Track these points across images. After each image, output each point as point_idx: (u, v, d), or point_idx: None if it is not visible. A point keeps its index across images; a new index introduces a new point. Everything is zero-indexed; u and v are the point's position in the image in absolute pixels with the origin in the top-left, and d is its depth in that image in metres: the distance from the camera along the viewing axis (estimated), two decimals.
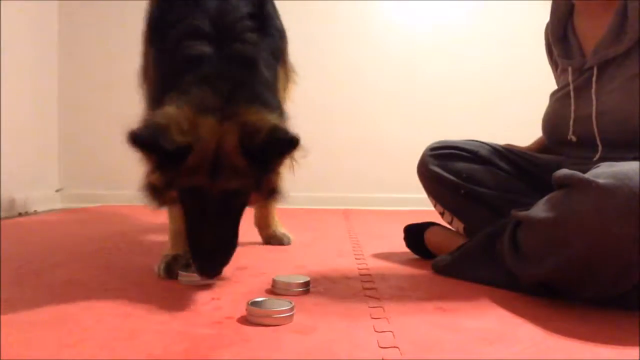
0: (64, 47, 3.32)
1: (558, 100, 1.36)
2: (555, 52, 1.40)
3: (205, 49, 1.12)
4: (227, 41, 1.14)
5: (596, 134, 1.25)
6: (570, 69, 1.32)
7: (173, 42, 1.15)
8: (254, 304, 0.93)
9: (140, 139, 0.94)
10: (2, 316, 0.91)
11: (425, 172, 1.48)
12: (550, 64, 1.51)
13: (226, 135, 1.01)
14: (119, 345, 0.78)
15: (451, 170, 1.43)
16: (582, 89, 1.28)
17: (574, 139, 1.30)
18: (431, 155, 1.48)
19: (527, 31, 2.72)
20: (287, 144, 1.02)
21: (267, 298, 0.98)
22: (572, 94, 1.31)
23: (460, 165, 1.43)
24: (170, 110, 1.02)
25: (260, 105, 1.07)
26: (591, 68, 1.27)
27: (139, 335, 0.83)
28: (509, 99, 3.43)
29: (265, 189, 1.10)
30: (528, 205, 1.12)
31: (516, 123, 2.67)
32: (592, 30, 1.30)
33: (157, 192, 1.08)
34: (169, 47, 1.16)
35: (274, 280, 1.14)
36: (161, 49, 1.22)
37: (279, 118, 1.10)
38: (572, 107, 1.30)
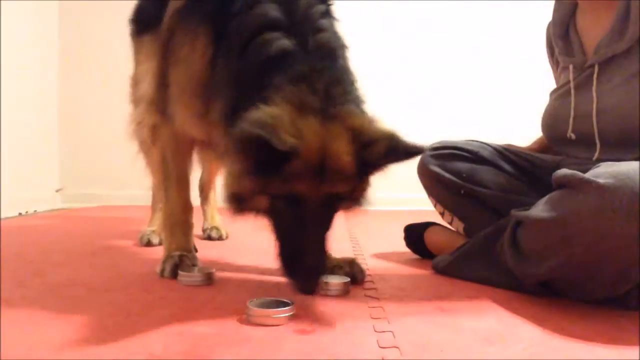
0: (64, 47, 3.31)
1: (558, 98, 1.36)
2: (557, 50, 1.40)
3: (286, 42, 1.01)
4: (306, 31, 1.03)
5: (595, 132, 1.25)
6: (571, 66, 1.33)
7: (241, 36, 1.04)
8: (254, 304, 0.93)
9: (251, 138, 0.85)
10: (2, 316, 0.91)
11: (426, 172, 1.48)
12: (550, 62, 1.51)
13: (333, 139, 0.93)
14: (119, 345, 0.78)
15: (451, 170, 1.43)
16: (582, 87, 1.29)
17: (573, 136, 1.30)
18: (431, 155, 1.48)
19: (527, 29, 2.72)
20: (408, 155, 0.97)
21: (267, 298, 0.98)
22: (572, 91, 1.31)
23: (460, 165, 1.43)
24: (272, 110, 0.91)
25: (355, 105, 1.01)
26: (592, 66, 1.27)
27: (139, 335, 0.83)
28: (510, 98, 3.42)
29: (358, 195, 1.04)
30: (528, 206, 1.12)
31: (516, 122, 2.67)
32: (595, 28, 1.30)
33: (242, 200, 0.99)
34: (236, 42, 1.04)
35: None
36: (223, 45, 1.07)
37: (378, 121, 1.01)
38: (572, 105, 1.30)
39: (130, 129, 1.64)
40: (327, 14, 1.11)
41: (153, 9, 1.38)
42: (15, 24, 2.75)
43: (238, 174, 0.97)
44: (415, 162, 1.53)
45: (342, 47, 1.12)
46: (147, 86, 1.36)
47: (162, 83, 1.24)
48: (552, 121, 1.39)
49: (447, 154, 1.46)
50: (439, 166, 1.45)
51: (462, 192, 1.41)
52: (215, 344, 0.80)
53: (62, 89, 3.31)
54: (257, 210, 1.01)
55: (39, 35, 3.12)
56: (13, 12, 2.71)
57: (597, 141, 1.25)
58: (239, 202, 0.99)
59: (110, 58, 3.36)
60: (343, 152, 0.94)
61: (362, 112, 1.02)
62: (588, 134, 1.27)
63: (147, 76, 1.37)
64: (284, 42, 1.01)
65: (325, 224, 1.01)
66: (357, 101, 1.04)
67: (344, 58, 1.11)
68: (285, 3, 1.04)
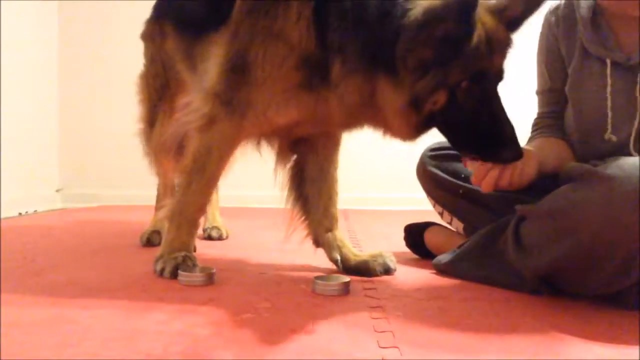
0: (64, 47, 3.31)
1: (591, 93, 1.27)
2: (585, 37, 1.28)
3: None
4: None
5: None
6: (609, 61, 1.23)
7: None
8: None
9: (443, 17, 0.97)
10: (2, 316, 0.91)
11: (424, 173, 1.49)
12: (543, 59, 1.47)
13: (480, 16, 1.02)
14: (119, 345, 0.78)
15: (449, 170, 1.44)
16: (625, 86, 1.22)
17: (613, 138, 1.24)
18: (429, 156, 1.48)
19: (528, 29, 2.71)
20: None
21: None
22: (609, 89, 1.23)
23: (459, 165, 1.43)
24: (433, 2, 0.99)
25: None
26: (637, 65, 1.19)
27: (139, 335, 0.83)
28: (512, 97, 3.42)
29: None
30: (528, 204, 1.12)
31: (519, 121, 2.66)
32: (627, 24, 1.23)
33: (420, 102, 1.05)
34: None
35: (314, 281, 1.13)
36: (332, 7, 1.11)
37: None
38: (609, 105, 1.23)
39: (138, 129, 1.64)
40: None
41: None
42: (15, 24, 2.75)
43: (415, 77, 1.03)
44: (414, 161, 1.54)
45: None
46: (211, 77, 1.25)
47: (234, 70, 1.18)
48: (585, 121, 1.29)
49: (445, 154, 1.46)
50: (437, 167, 1.46)
51: (461, 192, 1.41)
52: (215, 344, 0.80)
53: (63, 89, 3.31)
54: (432, 110, 1.06)
55: (39, 35, 3.12)
56: (13, 12, 2.71)
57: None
58: (416, 106, 1.05)
59: (111, 58, 3.37)
60: (492, 20, 1.05)
61: None
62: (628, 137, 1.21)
63: (213, 67, 1.26)
64: None
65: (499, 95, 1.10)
66: None
67: None
68: None
